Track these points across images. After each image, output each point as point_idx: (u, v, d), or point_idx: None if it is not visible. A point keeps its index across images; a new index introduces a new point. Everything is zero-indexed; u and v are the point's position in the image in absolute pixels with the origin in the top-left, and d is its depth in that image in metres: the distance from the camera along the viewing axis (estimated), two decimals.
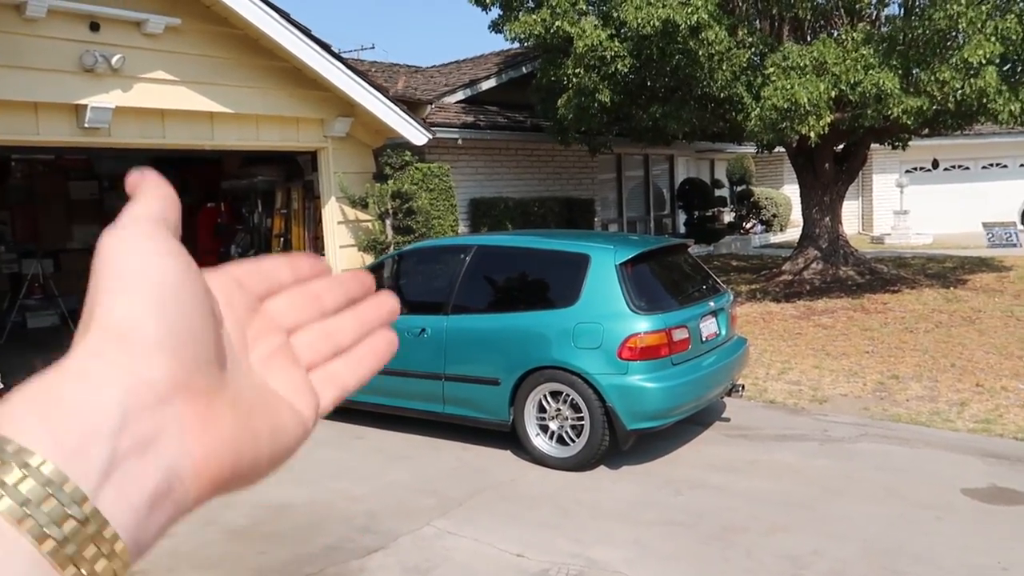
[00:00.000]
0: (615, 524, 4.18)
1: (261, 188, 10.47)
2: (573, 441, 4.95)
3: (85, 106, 6.75)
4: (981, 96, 8.68)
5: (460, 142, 11.68)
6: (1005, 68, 9.44)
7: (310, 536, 4.13)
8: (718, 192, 18.86)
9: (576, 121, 10.83)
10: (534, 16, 10.01)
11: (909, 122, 9.16)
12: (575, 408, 4.92)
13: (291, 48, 7.78)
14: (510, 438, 5.26)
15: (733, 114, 10.25)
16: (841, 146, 12.21)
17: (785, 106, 8.61)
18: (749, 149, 17.18)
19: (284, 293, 0.46)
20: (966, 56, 8.38)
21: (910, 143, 13.30)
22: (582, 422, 4.89)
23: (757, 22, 11.04)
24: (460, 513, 4.36)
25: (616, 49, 9.70)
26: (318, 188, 9.33)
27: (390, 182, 9.11)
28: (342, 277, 0.49)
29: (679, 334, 4.93)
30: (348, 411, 6.14)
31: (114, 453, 0.33)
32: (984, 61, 8.37)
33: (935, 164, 21.66)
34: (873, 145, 12.99)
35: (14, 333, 10.26)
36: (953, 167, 21.94)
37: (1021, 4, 9.24)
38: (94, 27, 6.74)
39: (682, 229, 17.70)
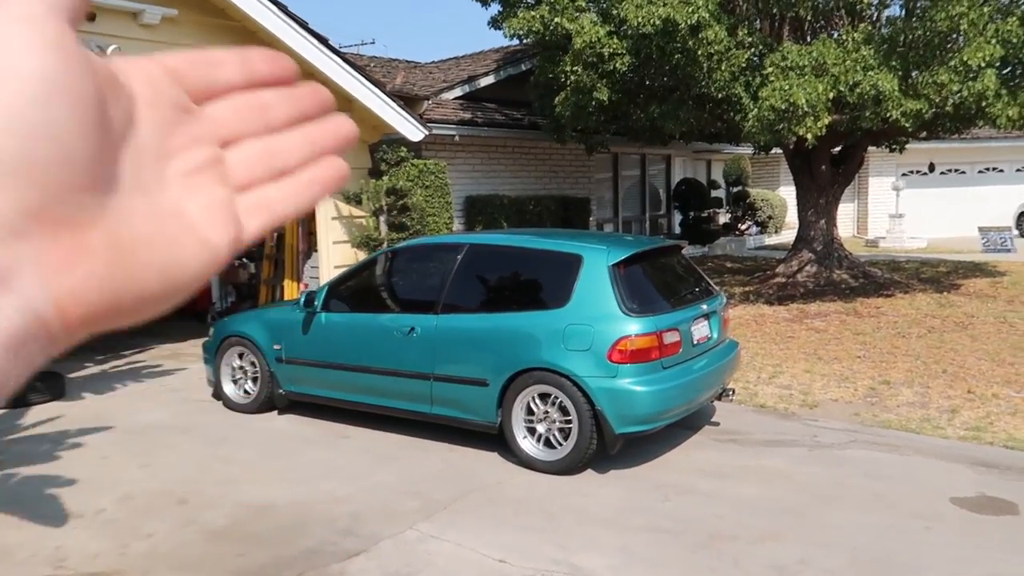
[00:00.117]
0: (601, 530, 4.13)
1: None
2: (561, 444, 4.90)
3: None
4: (980, 99, 8.65)
5: (457, 139, 11.62)
6: (1005, 72, 9.41)
7: (291, 538, 4.08)
8: (714, 193, 18.83)
9: (573, 119, 10.78)
10: (533, 12, 9.95)
11: (907, 125, 9.12)
12: (563, 411, 4.87)
13: (288, 41, 7.71)
14: (498, 440, 5.21)
15: (731, 115, 10.21)
16: (838, 148, 12.17)
17: (783, 107, 8.57)
18: (746, 150, 17.13)
19: (228, 98, 0.39)
20: (965, 59, 8.33)
21: (907, 146, 13.28)
22: (570, 425, 4.84)
23: (757, 22, 10.99)
24: (444, 516, 4.31)
25: (615, 46, 9.64)
26: None
27: (385, 178, 9.05)
28: (296, 89, 0.42)
29: (670, 337, 4.88)
30: (335, 410, 6.09)
31: None
32: (984, 64, 8.33)
33: (931, 168, 21.65)
34: (870, 148, 12.96)
35: None
36: (949, 171, 21.94)
37: (1023, 7, 9.20)
38: (90, 17, 6.66)
39: (678, 229, 17.67)
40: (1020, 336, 8.37)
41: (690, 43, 9.06)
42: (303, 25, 7.73)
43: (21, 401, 6.53)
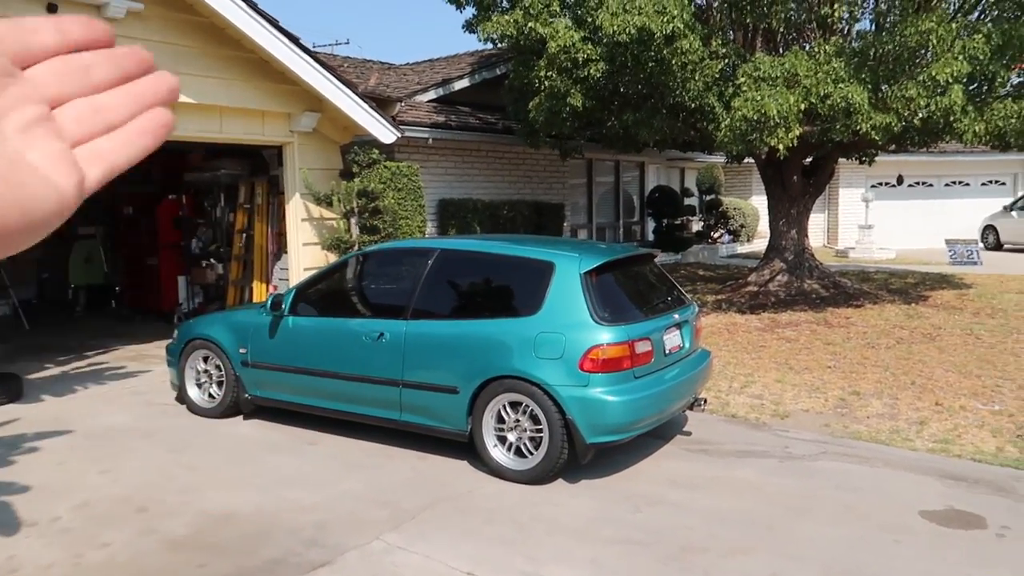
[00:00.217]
0: (571, 541, 4.07)
1: (224, 182, 10.22)
2: (531, 453, 4.84)
3: None
4: (947, 114, 8.76)
5: (431, 142, 11.53)
6: (971, 88, 9.55)
7: (254, 548, 3.97)
8: (687, 201, 18.94)
9: (547, 124, 10.75)
10: (507, 17, 9.90)
11: (877, 138, 9.21)
12: (534, 420, 4.81)
13: (257, 39, 7.59)
14: (468, 448, 5.14)
15: (704, 124, 10.24)
16: (809, 159, 12.28)
17: (755, 117, 8.60)
18: (719, 159, 17.26)
19: (48, 61, 0.43)
20: (934, 74, 8.43)
21: (876, 159, 13.44)
22: (541, 434, 4.78)
23: (731, 32, 11.06)
24: (412, 527, 4.23)
25: (589, 52, 9.62)
26: (283, 184, 9.13)
27: (357, 180, 8.94)
28: (116, 51, 0.46)
29: (642, 346, 4.84)
30: (302, 416, 5.98)
31: None
32: (951, 80, 8.44)
33: (900, 180, 21.99)
34: (840, 159, 13.10)
35: None
36: (917, 183, 22.30)
37: (989, 24, 9.35)
38: (51, 8, 6.50)
39: (651, 237, 17.73)
40: (986, 348, 8.48)
41: (665, 52, 9.07)
42: (273, 23, 7.60)
43: None
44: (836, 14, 10.08)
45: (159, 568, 3.80)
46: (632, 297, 5.54)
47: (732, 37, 10.95)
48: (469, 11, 11.04)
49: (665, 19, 8.77)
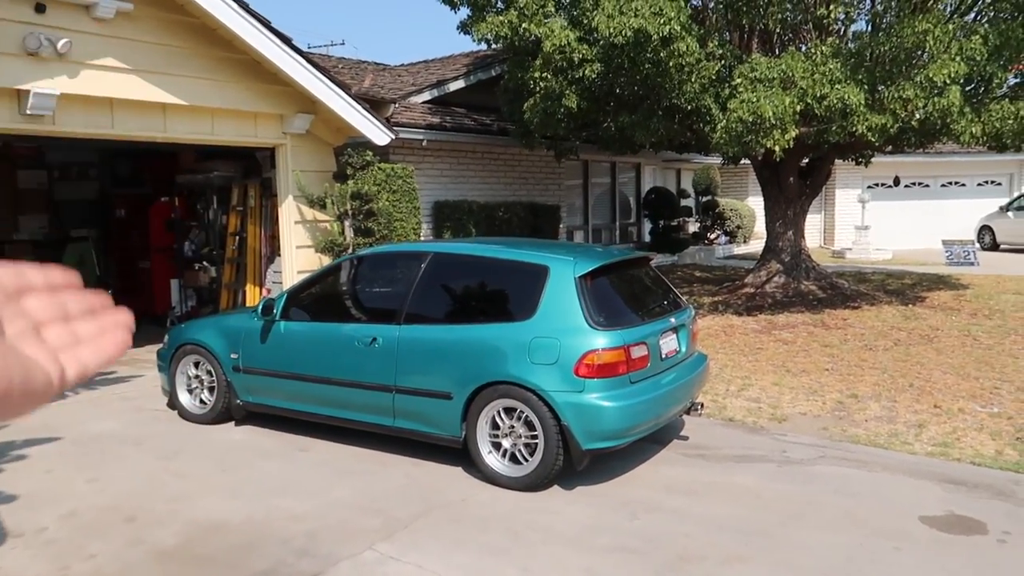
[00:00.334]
0: (566, 550, 4.01)
1: (217, 184, 10.14)
2: (527, 460, 4.77)
3: (27, 92, 6.42)
4: (945, 116, 8.71)
5: (425, 143, 11.46)
6: (968, 89, 9.50)
7: (244, 559, 3.89)
8: (684, 202, 18.90)
9: (542, 125, 10.68)
10: (501, 17, 9.83)
11: (873, 139, 9.17)
12: (529, 426, 4.75)
13: (249, 40, 7.52)
14: (462, 455, 5.07)
15: (700, 125, 10.19)
16: (806, 161, 12.24)
17: (750, 119, 8.55)
18: (715, 160, 17.21)
19: (36, 295, 0.59)
20: (931, 75, 8.39)
21: (872, 160, 13.40)
22: (536, 440, 4.71)
23: (727, 33, 11.00)
24: (405, 536, 4.16)
25: (584, 52, 9.56)
26: (276, 186, 9.06)
27: (350, 182, 8.87)
28: (86, 293, 0.65)
29: (638, 351, 4.78)
30: (295, 422, 5.90)
31: None
32: (948, 81, 8.39)
33: (896, 181, 21.97)
34: (836, 161, 13.06)
35: None
36: (914, 184, 22.29)
37: (986, 25, 9.31)
38: (40, 8, 6.42)
39: (647, 238, 17.68)
40: (984, 350, 8.43)
41: (661, 54, 9.01)
42: (265, 23, 7.53)
43: None
44: (832, 15, 10.03)
45: None
46: (628, 301, 5.48)
47: (728, 38, 10.89)
48: (464, 12, 10.97)
49: (662, 21, 8.71)
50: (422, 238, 10.37)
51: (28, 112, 6.46)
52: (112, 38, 6.85)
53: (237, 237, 10.00)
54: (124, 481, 5.01)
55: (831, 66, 8.83)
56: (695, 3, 10.60)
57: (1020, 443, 5.56)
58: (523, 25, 9.67)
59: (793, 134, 8.87)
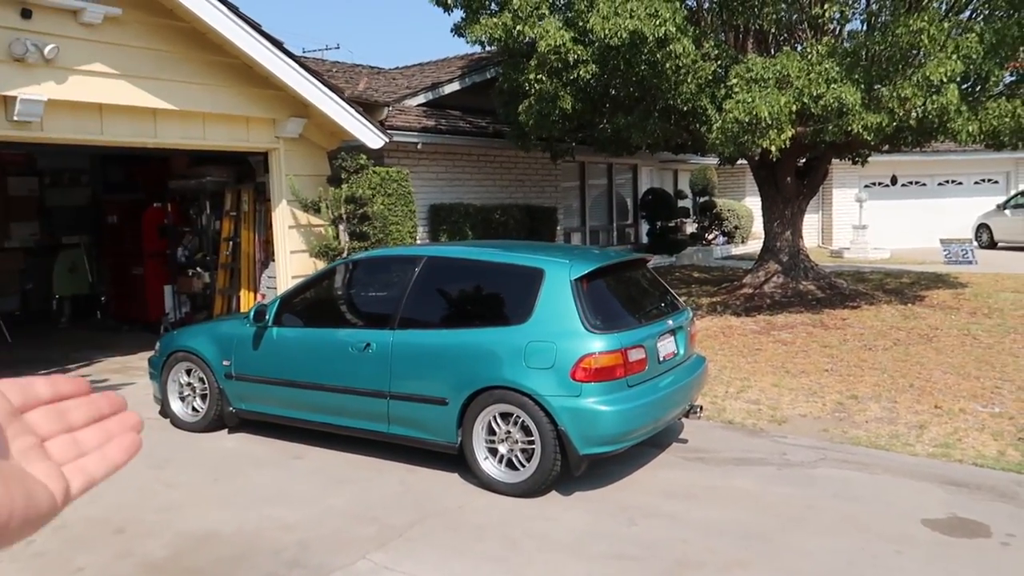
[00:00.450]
0: (564, 557, 3.93)
1: (210, 189, 10.06)
2: (523, 465, 4.70)
3: (14, 98, 6.34)
4: (942, 114, 8.66)
5: (420, 146, 11.40)
6: (965, 87, 9.45)
7: (233, 571, 3.81)
8: (681, 203, 18.83)
9: (537, 127, 10.62)
10: (495, 19, 9.77)
11: (869, 138, 9.12)
12: (526, 431, 4.67)
13: (240, 44, 7.45)
14: (458, 461, 5.00)
15: (696, 126, 10.13)
16: (803, 160, 12.18)
17: (746, 119, 8.49)
18: (712, 161, 17.15)
19: (39, 409, 0.60)
20: (928, 74, 8.34)
21: (870, 159, 13.36)
22: (533, 446, 4.64)
23: (722, 34, 10.95)
24: (400, 545, 4.08)
25: (580, 53, 9.50)
26: (269, 190, 8.98)
27: (344, 186, 8.80)
28: (95, 398, 0.64)
29: (635, 354, 4.71)
30: (288, 429, 5.83)
31: None
32: (946, 79, 8.34)
33: (894, 180, 21.93)
34: (833, 160, 13.01)
35: None
36: (911, 183, 22.25)
37: (982, 23, 9.26)
38: (26, 14, 6.34)
39: (645, 239, 17.61)
40: (984, 349, 8.37)
41: (657, 56, 8.96)
42: (256, 27, 7.46)
43: None
44: (827, 14, 9.98)
45: None
46: (625, 304, 5.42)
47: (724, 39, 10.84)
48: (457, 14, 10.91)
49: (657, 22, 8.65)
50: (418, 241, 10.30)
51: (15, 118, 6.38)
52: (100, 43, 6.78)
53: (231, 242, 9.92)
54: (114, 491, 4.92)
55: (827, 66, 8.77)
56: (690, 4, 10.55)
57: (1022, 443, 5.49)
58: (517, 27, 9.61)
59: (789, 134, 8.81)
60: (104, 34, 6.74)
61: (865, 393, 6.84)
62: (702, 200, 19.84)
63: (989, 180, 22.40)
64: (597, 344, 4.56)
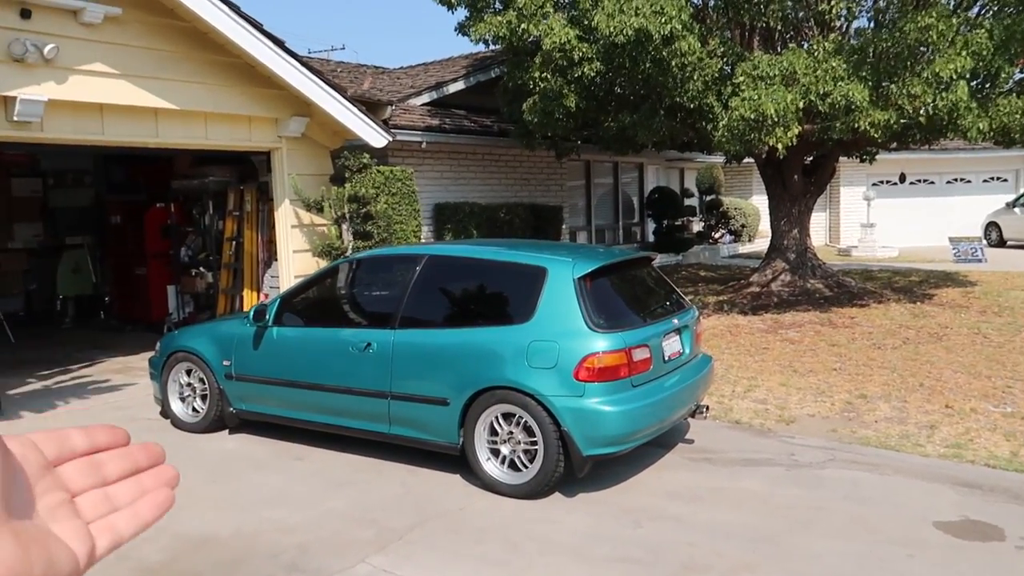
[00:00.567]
0: (567, 561, 3.86)
1: (213, 189, 10.02)
2: (526, 467, 4.63)
3: (14, 98, 6.30)
4: (952, 111, 8.55)
5: (424, 145, 11.34)
6: (974, 84, 9.33)
7: (230, 575, 3.75)
8: (687, 201, 18.74)
9: (541, 125, 10.55)
10: (500, 18, 9.70)
11: (876, 135, 9.01)
12: (528, 432, 4.60)
13: (241, 43, 7.39)
14: (460, 462, 4.93)
15: (702, 124, 10.04)
16: (810, 158, 12.07)
17: (752, 117, 8.40)
18: (718, 159, 17.05)
19: (74, 462, 0.57)
20: (937, 70, 8.23)
21: (878, 157, 13.23)
22: (535, 447, 4.56)
23: (728, 32, 10.85)
24: (400, 548, 4.01)
25: (584, 50, 9.42)
26: (272, 190, 8.93)
27: (347, 185, 8.74)
28: (132, 449, 0.61)
29: (640, 354, 4.63)
30: (289, 429, 5.77)
31: None
32: (955, 76, 8.23)
33: (902, 178, 21.77)
34: (841, 158, 12.89)
35: None
36: (919, 181, 22.09)
37: (991, 18, 9.14)
38: (25, 14, 6.29)
39: (651, 238, 17.52)
40: (995, 348, 8.26)
41: (663, 53, 8.87)
42: (257, 27, 7.41)
43: None
44: (834, 11, 9.87)
45: None
46: (629, 302, 5.34)
47: (729, 36, 10.74)
48: (461, 13, 10.83)
49: (663, 20, 8.56)
50: (422, 240, 10.24)
51: (15, 119, 6.33)
52: (101, 43, 6.73)
53: (234, 242, 9.87)
54: None
55: (834, 63, 8.67)
56: (695, 1, 10.46)
57: None
58: (522, 25, 9.54)
59: (796, 131, 8.71)
60: (104, 34, 6.69)
61: (874, 392, 6.75)
62: (708, 198, 19.73)
63: (998, 178, 22.22)
64: (600, 343, 4.49)
